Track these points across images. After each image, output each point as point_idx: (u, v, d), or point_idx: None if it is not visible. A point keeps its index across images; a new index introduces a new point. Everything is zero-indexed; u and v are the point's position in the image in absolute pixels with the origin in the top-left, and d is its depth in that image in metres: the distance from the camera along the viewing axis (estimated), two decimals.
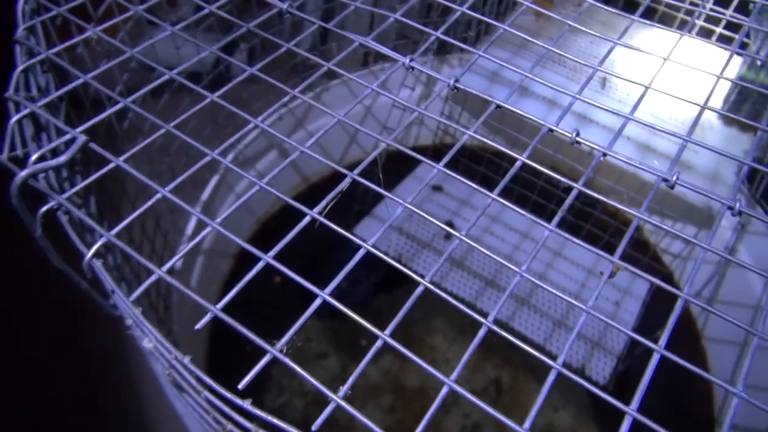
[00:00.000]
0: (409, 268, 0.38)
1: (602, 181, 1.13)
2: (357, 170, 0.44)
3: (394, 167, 0.60)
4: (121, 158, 0.41)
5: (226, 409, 0.35)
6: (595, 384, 1.19)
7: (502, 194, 0.44)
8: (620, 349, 1.08)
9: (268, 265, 0.39)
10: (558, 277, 1.19)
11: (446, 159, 0.46)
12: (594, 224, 1.19)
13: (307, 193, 1.35)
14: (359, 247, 0.40)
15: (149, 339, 0.40)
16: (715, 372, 1.14)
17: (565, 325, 1.12)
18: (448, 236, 1.24)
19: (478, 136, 0.47)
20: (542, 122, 0.47)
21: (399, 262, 0.39)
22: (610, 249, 0.43)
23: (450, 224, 1.35)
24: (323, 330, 1.17)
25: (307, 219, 0.41)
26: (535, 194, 1.20)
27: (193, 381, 0.36)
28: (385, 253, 0.40)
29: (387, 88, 1.16)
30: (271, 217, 1.28)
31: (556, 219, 0.41)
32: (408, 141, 1.45)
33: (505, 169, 1.35)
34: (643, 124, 0.47)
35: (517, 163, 0.45)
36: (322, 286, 0.37)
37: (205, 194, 0.97)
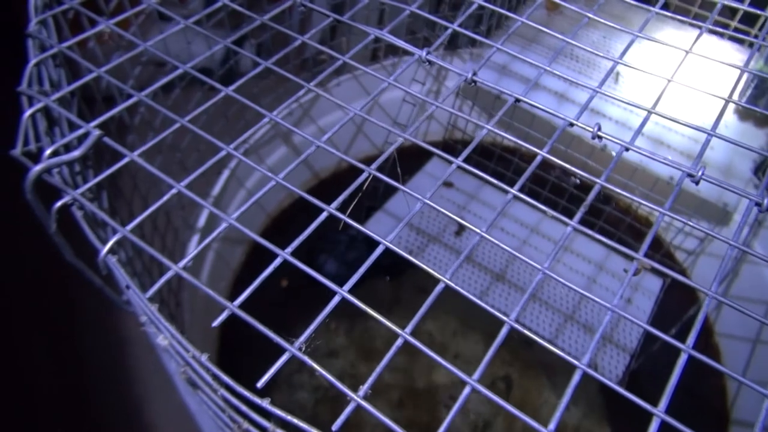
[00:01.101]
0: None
1: (615, 178, 1.12)
2: (375, 165, 0.43)
3: (404, 164, 0.59)
4: (136, 152, 0.41)
5: (243, 407, 0.35)
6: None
7: (509, 183, 0.43)
8: (633, 347, 1.07)
9: (275, 269, 0.38)
10: (567, 272, 1.18)
11: (465, 154, 0.45)
12: (606, 221, 1.18)
13: (318, 189, 1.35)
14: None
15: (164, 336, 0.39)
16: (729, 368, 1.13)
17: (576, 321, 1.11)
18: (458, 232, 1.23)
19: (496, 130, 0.46)
20: (563, 116, 0.46)
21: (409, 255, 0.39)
22: (624, 246, 0.42)
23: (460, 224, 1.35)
24: (334, 325, 1.17)
25: (324, 215, 0.40)
26: (546, 190, 1.19)
27: (210, 379, 0.36)
28: (396, 247, 0.39)
29: (398, 83, 1.16)
30: (282, 213, 1.27)
31: (578, 215, 0.40)
32: (417, 137, 1.44)
33: (516, 165, 1.34)
34: (665, 117, 0.46)
35: (537, 158, 0.44)
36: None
37: (216, 189, 0.97)
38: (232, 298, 0.37)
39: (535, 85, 1.14)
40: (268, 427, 0.34)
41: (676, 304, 1.14)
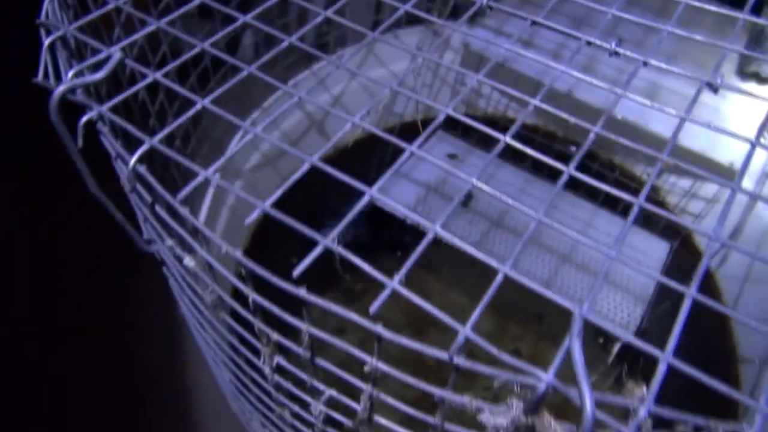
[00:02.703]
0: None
1: (618, 144, 1.11)
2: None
3: (410, 138, 0.58)
4: (159, 73, 0.42)
5: (276, 309, 0.34)
6: (616, 344, 1.13)
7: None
8: (641, 310, 1.06)
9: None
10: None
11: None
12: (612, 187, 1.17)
13: (335, 157, 1.34)
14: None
15: (192, 255, 0.39)
16: (737, 328, 1.11)
17: (573, 261, 1.10)
18: (465, 203, 1.24)
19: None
20: (579, 35, 0.46)
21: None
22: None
23: (468, 193, 1.35)
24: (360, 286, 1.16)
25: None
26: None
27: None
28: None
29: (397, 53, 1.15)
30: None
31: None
32: (421, 111, 1.44)
33: (521, 136, 1.33)
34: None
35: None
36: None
37: (230, 151, 0.97)
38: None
39: (529, 44, 1.11)
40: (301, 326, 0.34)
41: (682, 270, 1.14)
